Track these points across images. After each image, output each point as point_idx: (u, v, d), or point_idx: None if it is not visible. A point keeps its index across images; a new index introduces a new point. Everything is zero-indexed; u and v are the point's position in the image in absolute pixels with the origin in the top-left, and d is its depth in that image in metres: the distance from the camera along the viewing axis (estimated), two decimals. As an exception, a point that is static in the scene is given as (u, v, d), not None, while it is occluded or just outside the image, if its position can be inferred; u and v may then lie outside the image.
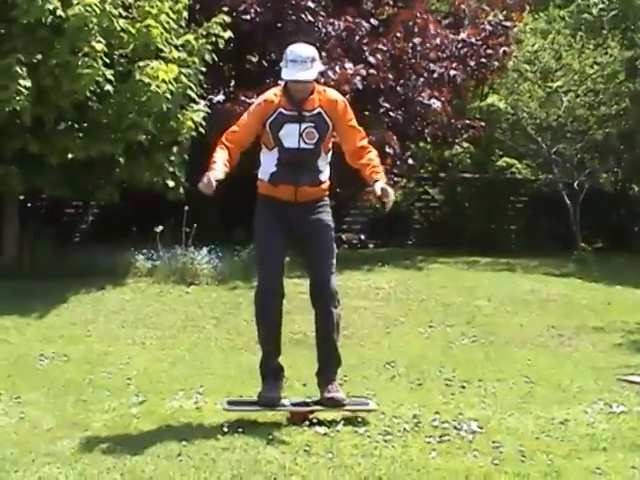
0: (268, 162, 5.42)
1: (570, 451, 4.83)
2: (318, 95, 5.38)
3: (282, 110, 5.31)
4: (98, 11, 10.79)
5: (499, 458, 4.68)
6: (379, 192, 5.24)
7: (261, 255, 5.50)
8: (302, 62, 5.22)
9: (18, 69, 10.51)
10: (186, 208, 11.88)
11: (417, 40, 14.79)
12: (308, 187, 5.37)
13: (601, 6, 20.65)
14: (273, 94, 5.42)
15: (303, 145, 5.31)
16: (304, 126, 5.30)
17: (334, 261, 5.46)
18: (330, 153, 5.53)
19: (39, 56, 10.94)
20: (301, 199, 5.38)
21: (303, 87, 5.29)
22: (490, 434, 5.10)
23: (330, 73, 13.29)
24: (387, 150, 13.89)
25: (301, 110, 5.31)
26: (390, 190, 5.27)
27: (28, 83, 10.54)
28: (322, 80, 13.34)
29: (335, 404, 5.36)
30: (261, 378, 5.51)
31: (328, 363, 5.50)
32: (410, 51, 14.72)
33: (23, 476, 4.59)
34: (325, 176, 5.49)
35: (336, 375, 5.52)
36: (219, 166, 5.22)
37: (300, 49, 5.33)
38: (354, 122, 5.52)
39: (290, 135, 5.30)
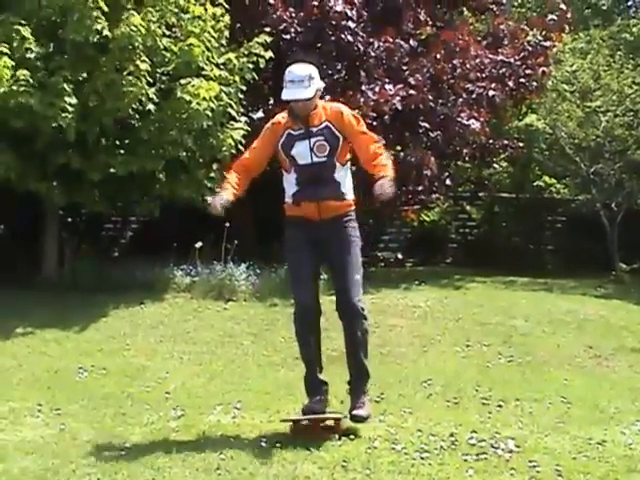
0: (289, 184, 5.55)
1: (607, 472, 4.80)
2: (324, 110, 5.53)
3: (290, 131, 5.48)
4: (143, 31, 10.97)
5: (536, 477, 4.68)
6: (376, 189, 5.27)
7: (292, 276, 5.62)
8: (299, 82, 5.40)
9: (64, 86, 10.68)
10: (227, 225, 11.98)
11: (458, 61, 14.80)
12: (330, 201, 5.45)
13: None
14: (281, 117, 5.62)
15: (316, 159, 5.42)
16: (313, 140, 5.43)
17: (360, 276, 5.48)
18: (348, 165, 5.61)
19: (85, 74, 11.12)
20: (325, 215, 5.45)
21: (303, 105, 5.43)
22: (527, 453, 5.09)
23: (370, 94, 13.36)
24: (424, 172, 13.97)
25: (308, 127, 5.45)
26: (387, 184, 5.27)
27: (73, 100, 10.71)
28: (362, 100, 13.45)
29: (358, 421, 5.43)
30: (306, 393, 5.59)
31: (356, 375, 5.58)
32: (450, 71, 14.74)
33: (65, 486, 4.66)
34: (347, 189, 5.55)
35: (364, 387, 5.57)
36: (228, 190, 5.49)
37: (297, 69, 5.50)
38: (364, 128, 5.61)
39: (302, 152, 5.43)
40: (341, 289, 5.45)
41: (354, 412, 5.42)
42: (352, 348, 5.52)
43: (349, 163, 5.63)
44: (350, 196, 5.58)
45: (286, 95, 5.44)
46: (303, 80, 5.40)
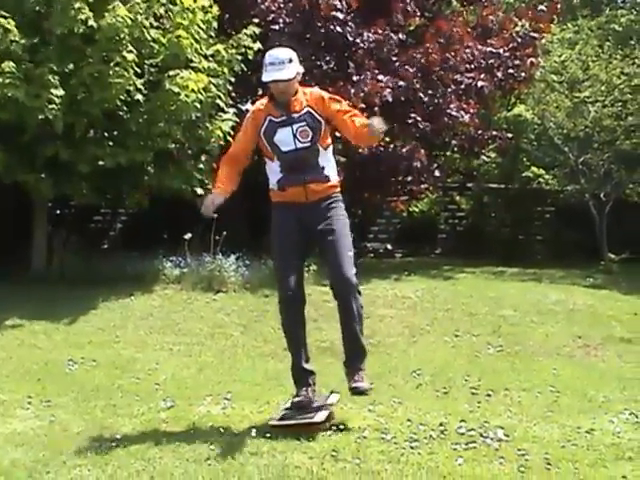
0: (273, 172, 5.54)
1: (596, 460, 4.82)
2: (304, 96, 5.52)
3: (271, 118, 5.46)
4: (129, 22, 10.93)
5: (525, 466, 4.69)
6: (369, 128, 5.38)
7: (279, 264, 5.61)
8: (279, 64, 5.37)
9: (50, 78, 10.63)
10: (215, 216, 11.93)
11: (451, 52, 14.79)
12: (316, 184, 5.45)
13: (629, 17, 20.63)
14: (260, 104, 5.60)
15: (299, 145, 5.42)
16: (296, 127, 5.42)
17: (352, 253, 5.47)
18: (330, 149, 5.61)
19: (71, 65, 11.07)
20: (312, 198, 5.45)
21: (284, 87, 5.41)
22: (516, 442, 5.11)
23: (361, 85, 13.36)
24: (414, 164, 14.02)
25: (289, 113, 5.44)
26: (376, 120, 5.41)
27: (60, 92, 10.66)
28: (352, 91, 13.43)
29: (359, 394, 5.42)
30: (294, 383, 5.58)
31: (353, 353, 5.53)
32: (440, 63, 14.71)
33: (55, 477, 4.65)
34: (331, 172, 5.56)
35: (362, 364, 5.52)
36: (218, 190, 5.63)
37: (277, 52, 5.47)
38: (346, 106, 5.63)
39: (285, 138, 5.42)
40: (334, 265, 5.42)
41: (354, 385, 5.39)
42: (348, 325, 5.48)
43: (331, 147, 5.63)
44: (334, 178, 5.58)
45: (266, 77, 5.39)
46: (283, 62, 5.37)
